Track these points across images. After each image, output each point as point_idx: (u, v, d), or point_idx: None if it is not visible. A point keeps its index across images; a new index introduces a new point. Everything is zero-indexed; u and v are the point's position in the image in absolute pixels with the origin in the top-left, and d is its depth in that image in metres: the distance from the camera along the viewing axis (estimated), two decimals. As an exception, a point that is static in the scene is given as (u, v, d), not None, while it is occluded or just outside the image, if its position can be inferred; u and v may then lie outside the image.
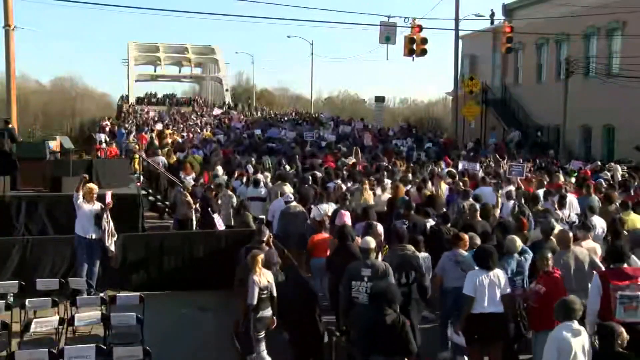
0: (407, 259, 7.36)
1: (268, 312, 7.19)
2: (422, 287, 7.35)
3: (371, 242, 7.16)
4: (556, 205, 10.66)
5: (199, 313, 9.61)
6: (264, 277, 7.11)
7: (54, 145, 17.85)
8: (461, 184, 12.92)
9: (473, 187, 13.07)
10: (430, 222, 9.95)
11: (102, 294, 8.61)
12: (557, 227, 8.44)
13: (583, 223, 8.76)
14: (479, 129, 32.60)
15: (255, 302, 7.00)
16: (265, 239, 7.81)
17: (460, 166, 18.08)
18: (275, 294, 7.25)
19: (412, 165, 18.97)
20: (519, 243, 7.54)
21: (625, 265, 6.59)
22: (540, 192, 11.77)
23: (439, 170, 16.66)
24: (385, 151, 23.29)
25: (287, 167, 17.12)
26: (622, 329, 5.26)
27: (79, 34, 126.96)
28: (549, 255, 6.84)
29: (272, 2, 23.51)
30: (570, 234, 7.52)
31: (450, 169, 17.36)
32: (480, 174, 15.94)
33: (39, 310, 7.77)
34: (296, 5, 72.37)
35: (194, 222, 13.64)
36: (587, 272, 7.07)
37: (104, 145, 24.84)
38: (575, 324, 5.32)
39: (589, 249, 7.57)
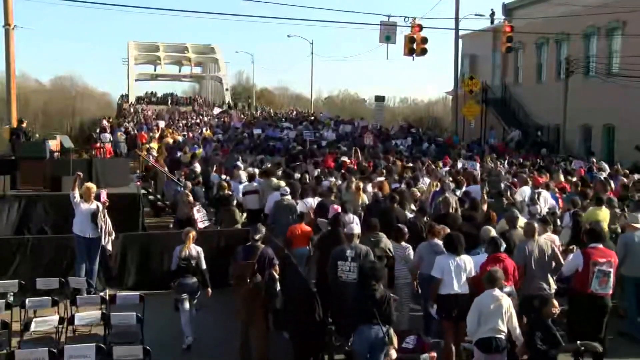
0: (378, 245, 8.29)
1: (189, 280, 8.27)
2: (392, 271, 8.29)
3: (355, 228, 8.15)
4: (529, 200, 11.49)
5: (198, 312, 9.60)
6: (187, 250, 8.30)
7: (53, 144, 17.89)
8: (449, 181, 13.39)
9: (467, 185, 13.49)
10: (409, 215, 10.64)
11: (102, 294, 8.62)
12: (522, 220, 9.25)
13: (543, 217, 9.51)
14: (479, 129, 32.60)
15: (174, 268, 8.28)
16: (258, 237, 7.80)
17: (459, 165, 18.18)
18: (203, 266, 8.44)
19: (411, 164, 18.99)
20: (492, 233, 8.28)
21: (601, 245, 7.60)
22: (527, 189, 12.60)
23: (439, 169, 16.72)
24: (385, 150, 23.32)
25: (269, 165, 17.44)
26: (555, 303, 6.21)
27: (79, 34, 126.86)
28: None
29: (272, 1, 23.50)
30: (536, 225, 8.20)
31: (449, 168, 17.45)
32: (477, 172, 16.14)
33: (39, 310, 7.77)
34: (296, 4, 72.53)
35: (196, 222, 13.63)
36: (548, 260, 7.83)
37: (102, 144, 24.91)
38: (497, 292, 6.41)
39: (547, 239, 8.32)
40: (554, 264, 7.90)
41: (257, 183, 13.99)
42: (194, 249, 8.44)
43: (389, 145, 25.59)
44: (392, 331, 6.41)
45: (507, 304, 6.39)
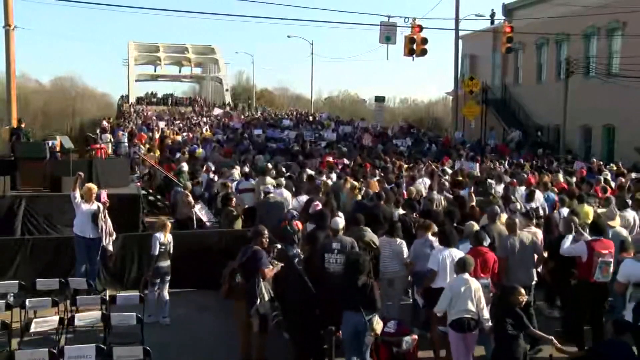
0: (362, 238, 8.60)
1: (165, 263, 9.19)
2: (377, 262, 8.58)
3: (340, 222, 8.48)
4: (522, 199, 11.89)
5: (199, 313, 9.63)
6: (165, 237, 9.21)
7: (57, 144, 17.95)
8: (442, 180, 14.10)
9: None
10: (401, 212, 10.86)
11: (102, 294, 8.61)
12: (504, 215, 9.77)
13: (525, 212, 9.96)
14: (479, 129, 32.58)
15: (156, 253, 9.08)
16: (252, 237, 7.83)
17: (456, 166, 18.28)
18: (171, 250, 9.28)
19: (411, 164, 19.07)
20: (476, 228, 8.60)
21: (602, 238, 8.12)
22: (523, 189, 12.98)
23: (438, 169, 16.81)
24: (384, 151, 23.36)
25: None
26: (522, 292, 6.53)
27: (79, 34, 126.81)
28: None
29: (272, 2, 23.52)
30: (517, 221, 8.65)
31: (445, 168, 17.56)
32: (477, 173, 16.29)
33: (39, 310, 7.77)
34: (296, 5, 72.56)
35: (194, 222, 13.68)
36: (529, 253, 8.29)
37: (101, 144, 24.94)
38: (466, 275, 6.98)
39: (531, 233, 8.76)
40: (536, 256, 8.37)
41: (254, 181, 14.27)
42: (169, 236, 9.36)
43: (389, 146, 25.61)
44: (375, 318, 6.77)
45: (476, 286, 6.92)
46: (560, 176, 15.20)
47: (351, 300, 6.82)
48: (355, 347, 6.88)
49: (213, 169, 16.72)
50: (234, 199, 12.37)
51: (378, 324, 6.79)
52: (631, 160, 21.43)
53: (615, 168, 17.18)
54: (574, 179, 15.02)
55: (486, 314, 6.89)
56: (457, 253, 7.80)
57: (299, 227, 10.04)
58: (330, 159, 19.25)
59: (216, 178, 15.75)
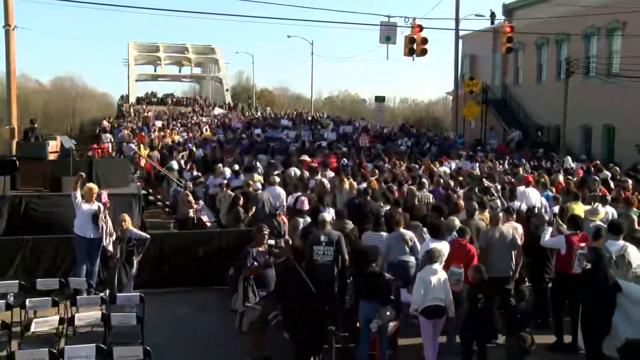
0: (344, 230, 9.22)
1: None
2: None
3: (327, 216, 9.02)
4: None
5: (199, 312, 9.64)
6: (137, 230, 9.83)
7: (61, 144, 17.96)
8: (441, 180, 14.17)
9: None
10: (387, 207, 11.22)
11: (102, 294, 8.62)
12: (487, 211, 10.51)
13: (507, 207, 10.51)
14: (479, 129, 32.60)
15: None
16: (259, 240, 7.89)
17: (453, 165, 18.31)
18: None
19: (412, 164, 19.07)
20: (457, 222, 9.13)
21: (579, 232, 8.58)
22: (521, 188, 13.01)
23: (437, 169, 16.84)
24: (386, 151, 23.35)
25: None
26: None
27: (79, 34, 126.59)
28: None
29: (272, 1, 23.52)
30: (501, 215, 9.24)
31: (444, 168, 17.60)
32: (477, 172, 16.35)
33: (39, 310, 7.77)
34: (296, 5, 72.50)
35: (195, 222, 13.70)
36: (508, 245, 8.80)
37: (101, 144, 25.05)
38: (435, 266, 7.48)
39: (512, 228, 9.32)
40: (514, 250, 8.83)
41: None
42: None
43: (390, 146, 25.61)
44: (387, 307, 7.13)
45: (444, 276, 7.48)
46: (560, 177, 15.16)
47: (362, 290, 7.34)
48: (368, 336, 7.32)
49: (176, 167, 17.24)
50: (242, 200, 12.42)
51: (387, 313, 7.04)
52: (631, 160, 21.43)
53: (617, 169, 17.05)
54: (575, 179, 14.99)
55: (451, 300, 7.40)
56: (445, 245, 8.26)
57: (284, 221, 10.65)
58: (306, 157, 19.24)
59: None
